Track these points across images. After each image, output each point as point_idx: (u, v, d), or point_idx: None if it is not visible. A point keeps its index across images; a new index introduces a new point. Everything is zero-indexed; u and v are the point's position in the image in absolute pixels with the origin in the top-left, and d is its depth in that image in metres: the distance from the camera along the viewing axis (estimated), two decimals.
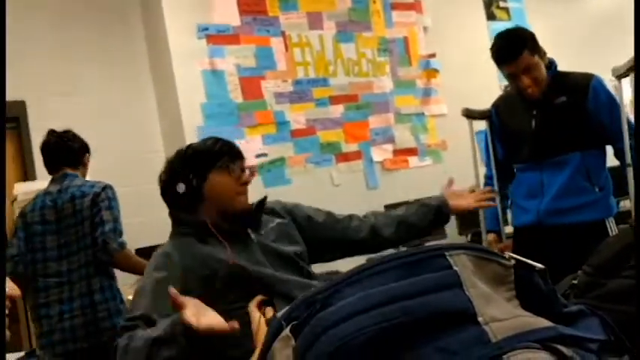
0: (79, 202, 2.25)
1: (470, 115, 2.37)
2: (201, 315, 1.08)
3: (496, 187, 2.28)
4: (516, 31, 2.17)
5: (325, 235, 1.57)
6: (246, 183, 1.47)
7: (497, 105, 2.32)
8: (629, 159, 2.03)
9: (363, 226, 1.59)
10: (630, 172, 2.03)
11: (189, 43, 3.25)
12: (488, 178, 2.37)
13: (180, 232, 1.47)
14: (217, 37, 3.33)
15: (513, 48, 2.04)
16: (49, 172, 2.37)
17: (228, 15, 3.38)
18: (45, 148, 2.36)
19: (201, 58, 3.27)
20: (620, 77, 2.05)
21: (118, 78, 3.39)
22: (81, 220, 2.24)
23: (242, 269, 1.35)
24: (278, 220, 1.52)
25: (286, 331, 0.82)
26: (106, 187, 2.28)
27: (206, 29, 3.30)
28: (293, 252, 1.45)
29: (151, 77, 3.53)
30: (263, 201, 1.52)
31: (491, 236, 2.31)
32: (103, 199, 2.24)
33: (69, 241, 2.25)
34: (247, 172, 1.50)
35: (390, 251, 1.29)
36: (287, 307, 0.88)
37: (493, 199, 1.77)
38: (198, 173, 1.43)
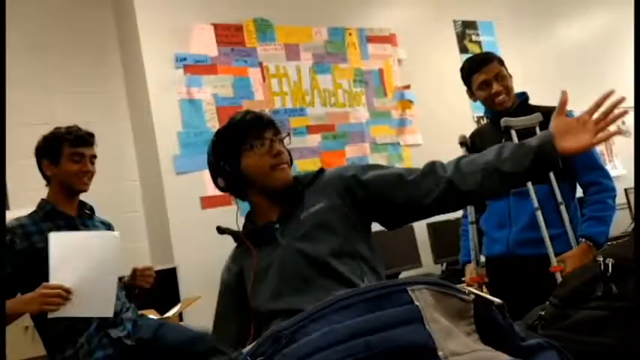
0: None
1: (465, 142, 2.39)
2: None
3: (473, 218, 2.32)
4: (487, 52, 2.38)
5: (389, 205, 1.34)
6: (279, 153, 1.36)
7: (473, 136, 2.38)
8: (560, 198, 2.09)
9: (438, 185, 1.29)
10: (563, 209, 2.10)
11: (167, 72, 3.27)
12: (464, 209, 2.41)
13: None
14: (195, 67, 3.36)
15: (486, 56, 2.24)
16: None
17: (206, 45, 3.42)
18: None
19: (179, 88, 3.29)
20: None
21: (94, 107, 3.39)
22: None
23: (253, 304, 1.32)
24: (322, 204, 1.33)
25: None
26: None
27: (184, 59, 3.33)
28: (325, 252, 1.28)
29: (128, 106, 3.54)
30: (317, 175, 1.41)
31: (472, 266, 2.29)
32: None
33: None
34: (280, 138, 1.39)
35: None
36: (253, 343, 0.89)
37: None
38: (229, 162, 1.37)
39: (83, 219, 2.03)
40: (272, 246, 1.33)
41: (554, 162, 1.21)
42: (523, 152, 1.22)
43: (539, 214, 2.06)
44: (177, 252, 3.04)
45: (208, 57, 3.42)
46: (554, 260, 2.02)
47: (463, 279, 2.29)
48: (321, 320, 0.84)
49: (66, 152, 1.94)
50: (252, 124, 1.38)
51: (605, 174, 2.13)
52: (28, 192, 3.03)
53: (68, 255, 1.81)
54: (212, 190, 3.28)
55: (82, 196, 2.27)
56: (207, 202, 3.21)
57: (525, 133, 2.13)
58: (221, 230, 1.43)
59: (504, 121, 2.12)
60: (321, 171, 1.42)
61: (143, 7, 3.28)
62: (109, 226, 2.15)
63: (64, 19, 3.44)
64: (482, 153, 1.30)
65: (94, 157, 2.02)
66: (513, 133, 2.12)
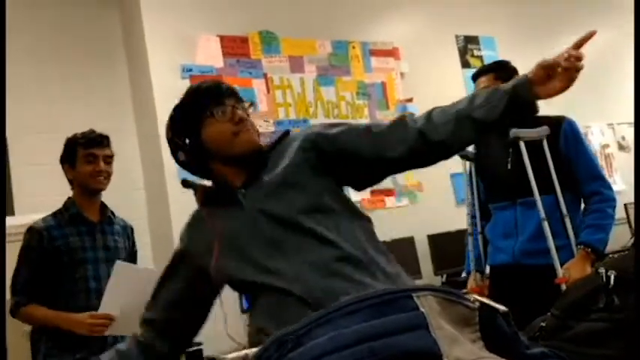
0: None
1: (465, 156, 2.41)
2: None
3: (479, 228, 2.34)
4: (499, 61, 2.39)
5: (356, 159, 1.25)
6: (241, 120, 1.27)
7: (478, 144, 2.40)
8: (564, 210, 2.10)
9: (408, 136, 1.21)
10: (567, 220, 2.10)
11: (173, 82, 3.30)
12: (473, 218, 2.43)
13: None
14: (200, 77, 3.38)
15: (482, 70, 2.27)
16: None
17: (212, 57, 3.46)
18: None
19: None
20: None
21: (100, 115, 3.40)
22: None
23: (224, 274, 1.21)
24: (286, 162, 1.25)
25: None
26: (29, 231, 2.02)
27: (190, 70, 3.37)
28: (292, 209, 1.19)
29: (134, 115, 3.56)
30: (281, 137, 1.33)
31: (478, 275, 2.34)
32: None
33: None
34: (243, 106, 1.32)
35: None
36: (260, 347, 0.90)
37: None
38: (188, 134, 1.28)
39: (103, 225, 2.10)
40: (236, 210, 1.22)
41: (529, 105, 1.16)
42: (497, 97, 1.16)
43: (545, 224, 2.06)
44: None
45: (214, 68, 3.45)
46: (560, 271, 2.03)
47: (464, 290, 2.31)
48: (327, 325, 0.85)
49: (80, 154, 2.04)
50: (211, 92, 1.30)
51: (607, 184, 2.15)
52: (32, 198, 3.06)
53: (124, 284, 1.93)
54: None
55: None
56: None
57: (533, 144, 2.15)
58: (186, 184, 1.32)
59: (513, 132, 2.12)
60: (286, 133, 1.35)
61: (150, 18, 3.32)
62: (125, 227, 2.21)
63: (72, 29, 3.48)
64: (455, 102, 1.23)
65: (109, 157, 2.10)
66: (522, 144, 2.13)
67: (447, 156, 1.24)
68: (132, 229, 2.25)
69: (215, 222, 1.23)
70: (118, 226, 2.16)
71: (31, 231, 2.00)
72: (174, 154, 1.33)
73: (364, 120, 3.91)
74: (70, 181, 2.10)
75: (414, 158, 1.23)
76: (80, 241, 2.01)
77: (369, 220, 1.29)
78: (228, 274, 1.20)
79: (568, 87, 1.17)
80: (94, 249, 2.03)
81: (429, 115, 1.21)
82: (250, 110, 1.34)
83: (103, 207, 2.13)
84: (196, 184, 1.33)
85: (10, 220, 2.61)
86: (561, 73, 1.15)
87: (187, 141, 1.29)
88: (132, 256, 2.21)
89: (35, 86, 3.29)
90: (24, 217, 2.60)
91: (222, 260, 1.20)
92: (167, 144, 1.34)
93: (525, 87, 1.16)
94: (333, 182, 1.27)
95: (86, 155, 2.03)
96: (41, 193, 3.08)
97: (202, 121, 1.27)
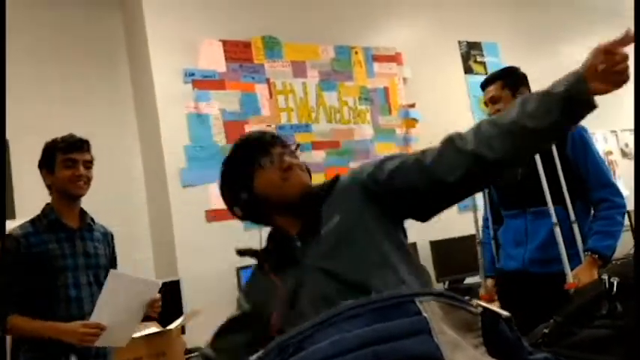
0: None
1: None
2: None
3: (491, 231, 2.35)
4: (507, 67, 2.41)
5: (413, 195, 1.22)
6: (290, 167, 1.28)
7: None
8: (573, 217, 2.09)
9: (461, 161, 1.15)
10: (576, 228, 2.08)
11: (175, 87, 3.31)
12: (486, 220, 2.44)
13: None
14: (203, 82, 3.40)
15: (489, 78, 2.29)
16: None
17: (215, 61, 3.47)
18: None
19: (187, 102, 3.32)
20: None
21: (102, 119, 3.42)
22: None
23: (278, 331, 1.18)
24: (340, 217, 1.23)
25: None
26: (6, 238, 1.97)
27: (192, 74, 3.37)
28: (356, 268, 1.16)
29: (136, 119, 3.57)
30: (332, 183, 1.31)
31: (490, 282, 2.35)
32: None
33: None
34: (290, 150, 1.33)
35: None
36: (260, 352, 0.89)
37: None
38: (241, 189, 1.30)
39: (82, 232, 2.06)
40: (296, 267, 1.23)
41: (587, 103, 1.07)
42: (551, 101, 1.08)
43: (557, 229, 2.06)
44: (181, 264, 3.04)
45: (216, 72, 3.46)
46: (570, 277, 2.02)
47: (466, 298, 2.31)
48: (330, 329, 0.84)
49: (59, 159, 2.00)
50: (257, 144, 1.33)
51: (616, 191, 2.15)
52: (33, 201, 3.05)
53: (116, 293, 1.91)
54: (216, 204, 3.31)
55: (89, 206, 2.28)
56: (211, 216, 3.22)
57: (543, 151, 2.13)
58: (241, 252, 1.35)
59: None
60: (336, 179, 1.33)
61: (153, 21, 3.33)
62: (106, 234, 2.18)
63: (72, 30, 3.49)
64: (504, 112, 1.15)
65: (89, 162, 2.05)
66: None
67: (503, 174, 1.20)
68: (112, 236, 2.21)
69: (275, 282, 1.24)
70: (98, 233, 2.12)
71: (9, 238, 1.95)
72: (230, 209, 1.34)
73: (367, 125, 3.91)
74: (49, 187, 2.06)
75: (471, 181, 1.18)
76: (59, 248, 1.96)
77: (427, 274, 1.28)
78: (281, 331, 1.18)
79: (619, 83, 1.09)
80: (73, 256, 1.99)
81: (477, 130, 1.15)
82: (298, 152, 1.35)
83: (83, 213, 2.09)
84: (252, 252, 1.34)
85: (10, 224, 2.60)
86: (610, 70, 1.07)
87: (243, 196, 1.30)
88: (112, 263, 2.17)
89: (35, 86, 3.30)
90: (25, 220, 2.59)
91: (284, 322, 1.20)
92: (223, 201, 1.35)
93: (580, 85, 1.08)
94: (392, 226, 1.26)
95: (65, 160, 1.99)
96: (42, 195, 3.08)
97: (252, 173, 1.30)
